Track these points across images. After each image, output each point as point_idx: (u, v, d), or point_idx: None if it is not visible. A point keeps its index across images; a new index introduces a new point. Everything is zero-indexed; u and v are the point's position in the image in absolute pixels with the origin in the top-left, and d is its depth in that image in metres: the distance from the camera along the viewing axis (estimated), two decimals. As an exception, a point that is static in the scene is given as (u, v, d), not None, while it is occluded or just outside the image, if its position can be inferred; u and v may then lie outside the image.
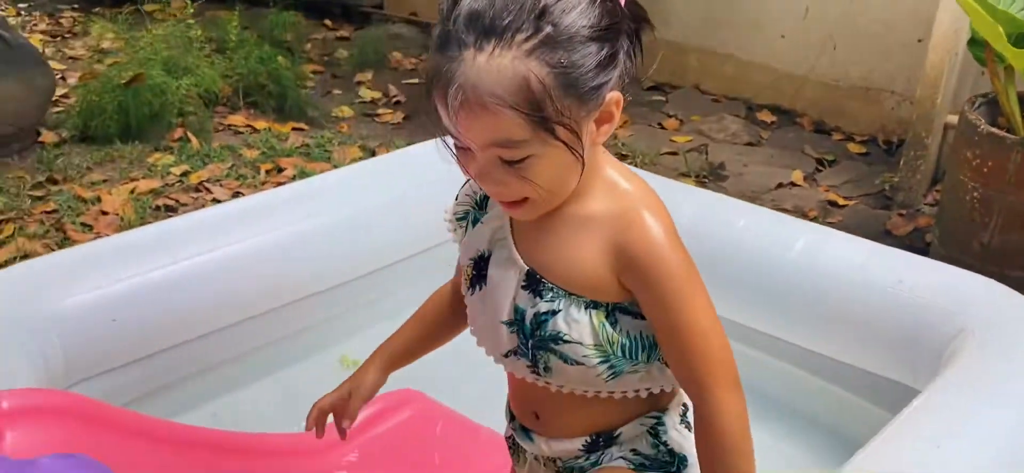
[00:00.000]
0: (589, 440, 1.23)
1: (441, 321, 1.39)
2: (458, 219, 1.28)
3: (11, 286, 1.80)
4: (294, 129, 4.35)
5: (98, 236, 3.17)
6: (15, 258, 3.05)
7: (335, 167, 3.68)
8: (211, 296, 1.97)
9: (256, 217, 2.17)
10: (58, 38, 5.89)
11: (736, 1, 4.54)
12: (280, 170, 3.85)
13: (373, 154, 4.02)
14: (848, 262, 2.04)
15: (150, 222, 3.27)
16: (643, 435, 1.24)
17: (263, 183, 3.72)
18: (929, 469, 1.41)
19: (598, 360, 1.11)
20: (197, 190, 3.64)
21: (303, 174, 3.77)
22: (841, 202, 3.63)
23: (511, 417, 1.33)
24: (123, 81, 4.06)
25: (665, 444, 1.24)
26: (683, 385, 1.15)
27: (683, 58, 4.75)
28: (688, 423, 1.25)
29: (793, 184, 3.78)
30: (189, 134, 4.12)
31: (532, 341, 1.13)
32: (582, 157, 1.05)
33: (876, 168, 3.94)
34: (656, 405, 1.23)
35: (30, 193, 3.56)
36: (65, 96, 4.54)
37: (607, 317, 1.12)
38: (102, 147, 3.99)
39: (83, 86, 4.35)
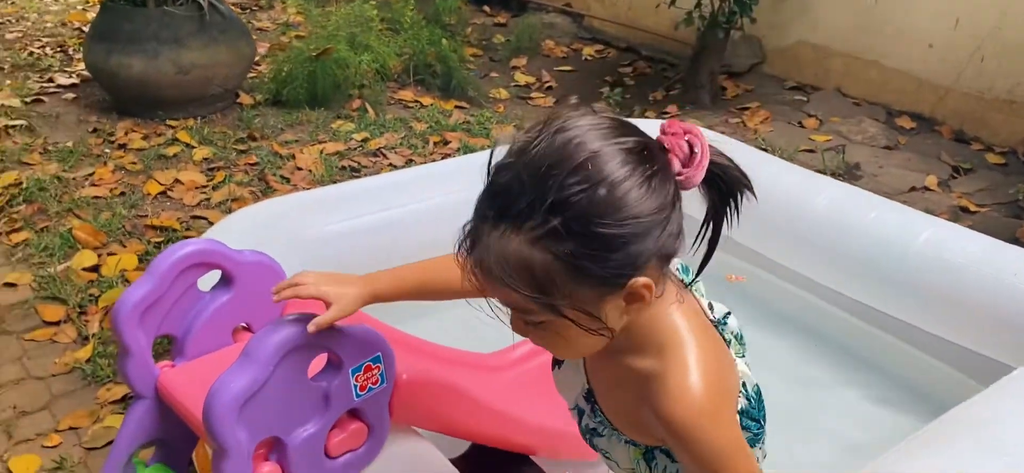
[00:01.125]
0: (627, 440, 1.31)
1: (439, 287, 1.39)
2: None
3: (262, 217, 2.26)
4: (456, 106, 4.78)
5: (295, 188, 3.68)
6: (226, 200, 3.59)
7: (493, 144, 4.06)
8: (413, 241, 2.36)
9: (448, 178, 2.57)
10: (248, 10, 6.55)
11: (885, 9, 4.69)
12: (446, 143, 4.27)
13: (528, 133, 4.39)
14: (968, 254, 2.27)
15: (339, 180, 3.76)
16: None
17: (431, 153, 4.15)
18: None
19: None
20: (375, 155, 4.11)
21: (466, 148, 4.19)
22: (972, 208, 3.77)
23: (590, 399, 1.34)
24: (313, 53, 4.57)
25: None
26: None
27: (827, 61, 4.92)
28: None
29: (926, 188, 3.93)
30: (367, 105, 4.62)
31: (586, 435, 1.25)
32: (604, 330, 1.04)
33: (1012, 179, 4.03)
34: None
35: (235, 146, 4.11)
36: (257, 64, 5.12)
37: (644, 455, 1.15)
38: (292, 111, 4.53)
39: (273, 56, 4.91)
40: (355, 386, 1.41)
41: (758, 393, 1.20)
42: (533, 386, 1.82)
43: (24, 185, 3.61)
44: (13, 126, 4.26)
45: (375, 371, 1.44)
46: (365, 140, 4.23)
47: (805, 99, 4.92)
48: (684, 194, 1.06)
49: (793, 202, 2.56)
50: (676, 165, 1.04)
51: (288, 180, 3.79)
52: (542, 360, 2.28)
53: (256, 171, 3.87)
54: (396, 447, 1.53)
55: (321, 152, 4.04)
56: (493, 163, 1.03)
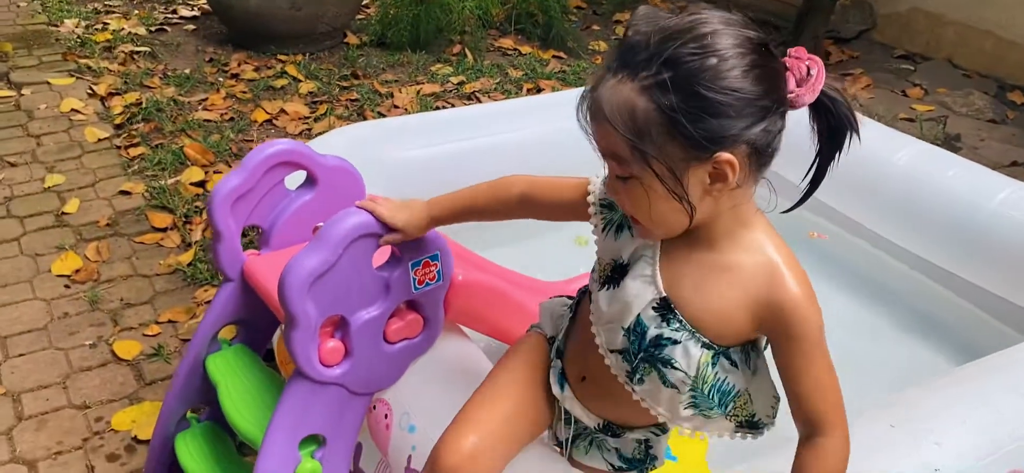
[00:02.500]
0: (602, 424, 1.41)
1: (498, 208, 1.48)
2: (603, 207, 1.34)
3: (354, 139, 2.42)
4: (554, 56, 4.84)
5: (390, 123, 3.83)
6: (326, 131, 3.76)
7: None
8: (494, 170, 2.48)
9: (536, 112, 2.66)
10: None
11: (1003, -22, 4.51)
12: (539, 90, 4.35)
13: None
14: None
15: (432, 117, 3.90)
16: (636, 442, 1.42)
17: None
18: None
19: (688, 391, 1.22)
20: (469, 98, 4.22)
21: (559, 96, 4.26)
22: (1080, 188, 3.62)
23: (558, 355, 1.44)
24: (419, -2, 4.71)
25: (649, 447, 1.43)
26: (802, 422, 1.22)
27: (940, 30, 4.77)
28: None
29: (1030, 164, 3.81)
30: (466, 50, 4.73)
31: (642, 354, 1.24)
32: (685, 201, 1.13)
33: None
34: (663, 425, 1.40)
35: (338, 82, 4.29)
36: (366, 6, 5.29)
37: (713, 359, 1.21)
38: (394, 53, 4.68)
39: (381, 0, 5.08)
40: (413, 279, 1.53)
41: None
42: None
43: (144, 105, 3.87)
44: (138, 52, 4.55)
45: (433, 268, 1.54)
46: (461, 83, 4.35)
47: (912, 68, 4.78)
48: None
49: (872, 160, 2.55)
50: (791, 83, 1.14)
51: (384, 116, 3.95)
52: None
53: (355, 107, 4.04)
54: (446, 342, 1.64)
55: (418, 92, 4.17)
56: (628, 22, 1.15)
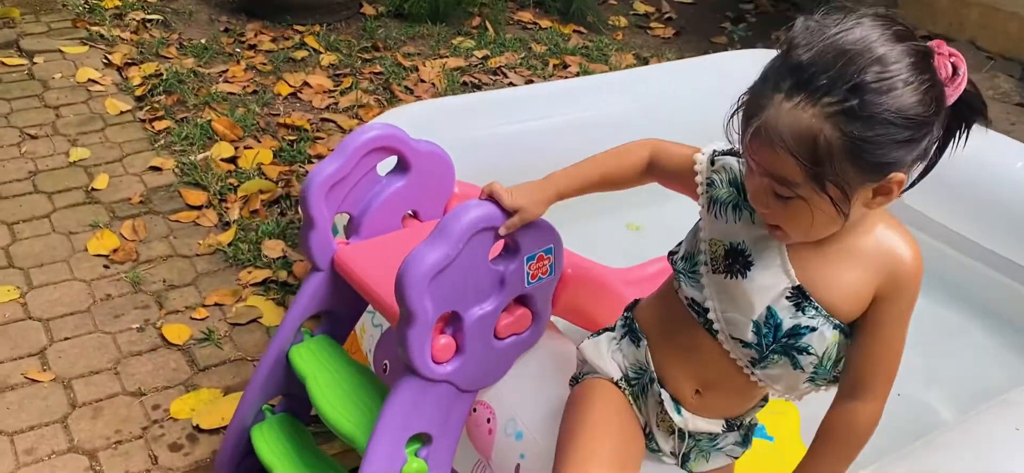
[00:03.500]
0: (726, 423, 1.40)
1: (626, 175, 1.43)
2: (713, 177, 1.30)
3: (427, 114, 2.35)
4: (574, 31, 4.77)
5: (419, 99, 3.74)
6: (353, 106, 3.68)
7: (612, 70, 4.05)
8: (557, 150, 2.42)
9: (590, 93, 2.61)
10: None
11: (1028, -41, 4.49)
12: (565, 67, 4.28)
13: (646, 63, 4.37)
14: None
15: (459, 94, 3.82)
16: (748, 419, 1.43)
17: (551, 75, 4.17)
18: None
19: (813, 368, 1.25)
20: (495, 73, 4.15)
21: (585, 72, 4.19)
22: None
23: (659, 383, 1.38)
24: (437, -32, 4.61)
25: (753, 423, 1.45)
26: (850, 383, 1.26)
27: (963, 11, 4.74)
28: None
29: (1062, 149, 3.80)
30: (486, 22, 4.64)
31: (775, 344, 1.24)
32: (846, 215, 1.13)
33: None
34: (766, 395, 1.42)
35: (360, 55, 4.19)
36: (380, -24, 5.17)
37: (842, 338, 1.24)
38: (413, 25, 4.58)
39: (397, -31, 4.96)
40: (528, 273, 1.47)
41: None
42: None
43: (164, 76, 3.75)
44: (150, 20, 4.41)
45: (547, 261, 1.49)
46: (485, 58, 4.26)
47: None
48: None
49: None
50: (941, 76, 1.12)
51: (412, 91, 3.86)
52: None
53: (381, 80, 3.95)
54: (547, 339, 1.59)
55: (443, 67, 4.09)
56: (789, 37, 1.11)
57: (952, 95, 1.12)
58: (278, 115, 3.59)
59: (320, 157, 3.27)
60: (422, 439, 1.52)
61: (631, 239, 2.78)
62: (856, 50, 1.06)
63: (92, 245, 2.74)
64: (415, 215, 1.76)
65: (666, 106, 2.68)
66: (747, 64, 2.62)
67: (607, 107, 2.59)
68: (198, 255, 2.75)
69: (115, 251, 2.72)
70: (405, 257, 1.35)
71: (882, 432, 1.29)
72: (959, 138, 1.17)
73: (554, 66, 4.27)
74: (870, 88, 1.05)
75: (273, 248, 2.75)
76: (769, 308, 1.23)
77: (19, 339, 2.36)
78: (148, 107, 3.56)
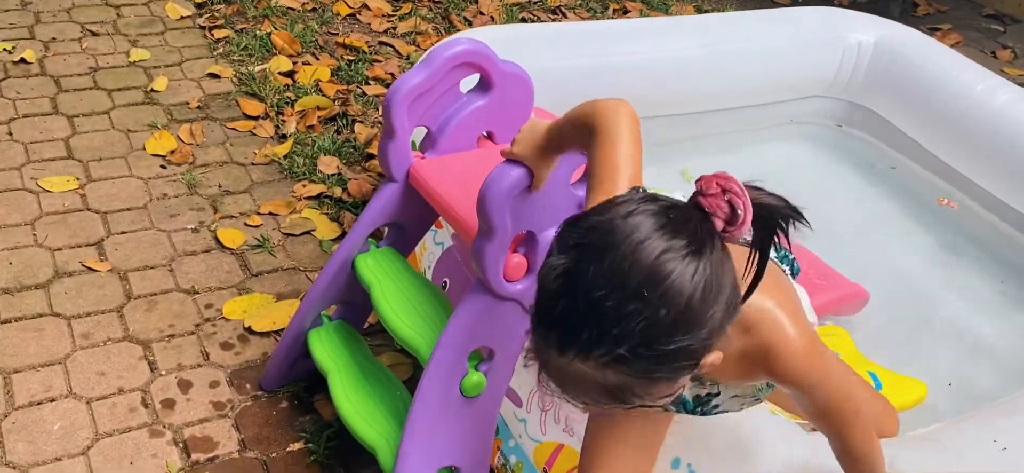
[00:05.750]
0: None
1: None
2: None
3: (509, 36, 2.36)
4: (633, -25, 4.70)
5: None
6: (412, 32, 3.66)
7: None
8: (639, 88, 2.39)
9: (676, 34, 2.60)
10: None
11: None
12: (626, 12, 4.22)
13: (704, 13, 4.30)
14: None
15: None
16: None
17: (610, 18, 4.11)
18: None
19: (745, 405, 1.34)
20: (554, 12, 4.10)
21: (644, 18, 4.13)
22: None
23: None
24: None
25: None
26: (822, 430, 1.26)
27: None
28: None
29: None
30: (548, -38, 4.58)
31: (694, 413, 1.30)
32: (683, 388, 1.07)
33: None
34: None
35: (419, -18, 4.15)
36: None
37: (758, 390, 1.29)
38: (473, -43, 4.53)
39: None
40: (606, 200, 1.46)
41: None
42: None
43: (223, -15, 3.74)
44: (210, -71, 4.39)
45: (625, 190, 1.47)
46: (545, -4, 4.21)
47: (1002, 30, 4.64)
48: None
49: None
50: (718, 226, 0.97)
51: (470, 22, 3.83)
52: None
53: (440, 9, 3.91)
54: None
55: (503, 1, 4.04)
56: (541, 280, 0.98)
57: (739, 233, 0.98)
58: (337, 34, 3.57)
59: (378, 79, 3.26)
60: (483, 354, 1.53)
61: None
62: (608, 289, 0.92)
63: (150, 145, 2.75)
64: (490, 137, 1.74)
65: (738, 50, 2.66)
66: (817, 21, 2.55)
67: (679, 50, 2.56)
68: (254, 164, 2.76)
69: (172, 153, 2.74)
70: (488, 174, 1.35)
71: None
72: (777, 240, 1.01)
73: (614, 10, 4.21)
74: (636, 331, 0.91)
75: (328, 164, 2.76)
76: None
77: (77, 228, 2.39)
78: (208, 14, 3.56)
